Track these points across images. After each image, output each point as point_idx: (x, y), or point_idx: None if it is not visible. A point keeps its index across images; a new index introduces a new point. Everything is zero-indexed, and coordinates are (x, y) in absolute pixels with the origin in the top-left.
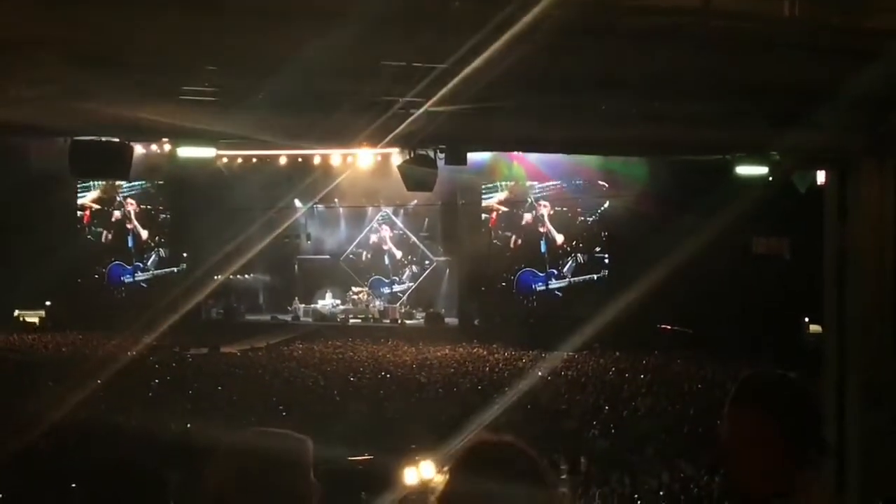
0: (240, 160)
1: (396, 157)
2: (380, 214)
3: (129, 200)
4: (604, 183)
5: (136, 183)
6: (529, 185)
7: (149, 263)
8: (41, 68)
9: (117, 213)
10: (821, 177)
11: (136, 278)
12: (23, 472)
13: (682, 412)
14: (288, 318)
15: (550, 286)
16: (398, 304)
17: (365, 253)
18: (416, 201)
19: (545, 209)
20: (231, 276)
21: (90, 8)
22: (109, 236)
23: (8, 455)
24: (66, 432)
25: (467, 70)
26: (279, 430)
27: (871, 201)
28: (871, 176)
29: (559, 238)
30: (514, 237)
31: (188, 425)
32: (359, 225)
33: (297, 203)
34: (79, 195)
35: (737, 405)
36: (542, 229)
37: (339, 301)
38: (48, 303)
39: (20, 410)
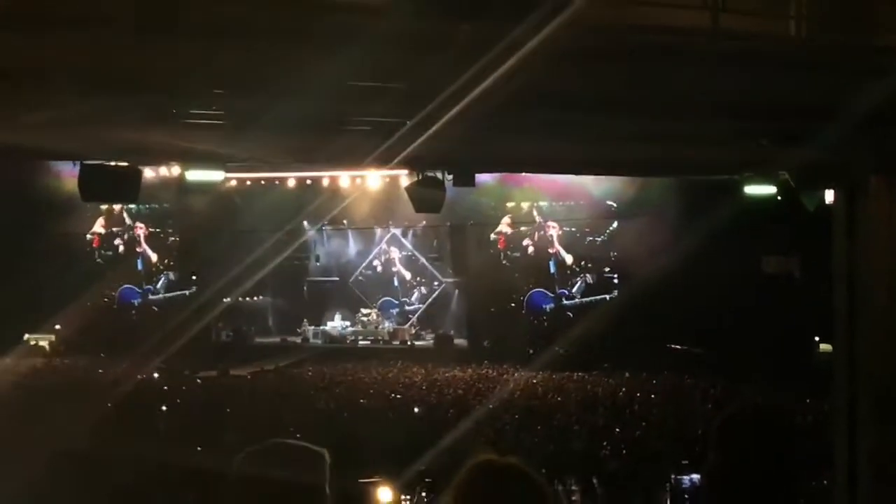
0: (248, 182)
1: (405, 178)
2: (388, 236)
3: (138, 224)
4: (612, 203)
5: (145, 206)
6: (538, 205)
7: (158, 286)
8: (50, 93)
9: (126, 237)
10: (829, 195)
11: (146, 301)
12: (33, 501)
13: (693, 432)
14: (297, 340)
15: (560, 306)
16: (407, 326)
17: (374, 274)
18: (424, 222)
19: (554, 230)
20: (240, 299)
21: (98, 33)
22: (119, 260)
23: (18, 482)
24: (76, 457)
25: (475, 92)
26: (295, 442)
27: (879, 219)
28: (880, 193)
29: (568, 258)
30: (522, 258)
31: (199, 448)
32: (368, 246)
33: (306, 225)
34: (88, 219)
35: None
36: (550, 250)
37: (348, 323)
38: (58, 327)
39: (30, 437)
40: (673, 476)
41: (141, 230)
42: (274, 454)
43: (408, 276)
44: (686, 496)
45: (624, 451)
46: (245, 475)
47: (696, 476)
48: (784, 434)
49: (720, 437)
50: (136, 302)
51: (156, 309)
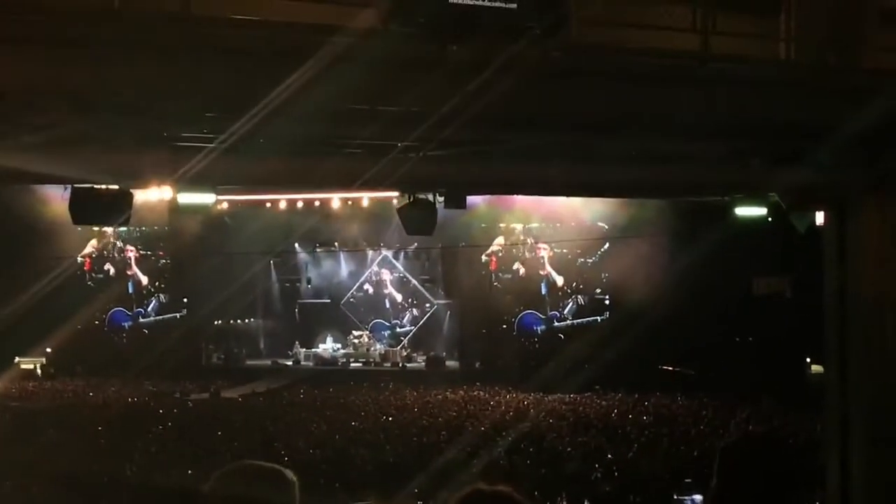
0: (240, 205)
1: (396, 200)
2: (380, 258)
3: (129, 246)
4: (603, 224)
5: (136, 229)
6: (529, 227)
7: (149, 309)
8: (41, 115)
9: (117, 259)
10: (819, 217)
11: (137, 324)
12: None
13: (686, 454)
14: (289, 362)
15: (552, 328)
16: (399, 348)
17: (365, 296)
18: (416, 244)
19: (545, 251)
20: (231, 321)
21: (91, 56)
22: (110, 282)
23: None
24: (67, 480)
25: (466, 114)
26: (266, 465)
27: (870, 239)
28: (870, 214)
29: (559, 280)
30: (514, 280)
31: (189, 472)
32: (359, 268)
33: (297, 247)
34: (76, 242)
35: None
36: (542, 272)
37: (339, 345)
38: (49, 349)
39: (20, 459)
40: (675, 496)
41: (132, 253)
42: (243, 475)
43: (399, 297)
44: None
45: (616, 474)
46: (216, 496)
47: (697, 497)
48: (783, 461)
49: (721, 465)
50: (126, 325)
51: (146, 332)
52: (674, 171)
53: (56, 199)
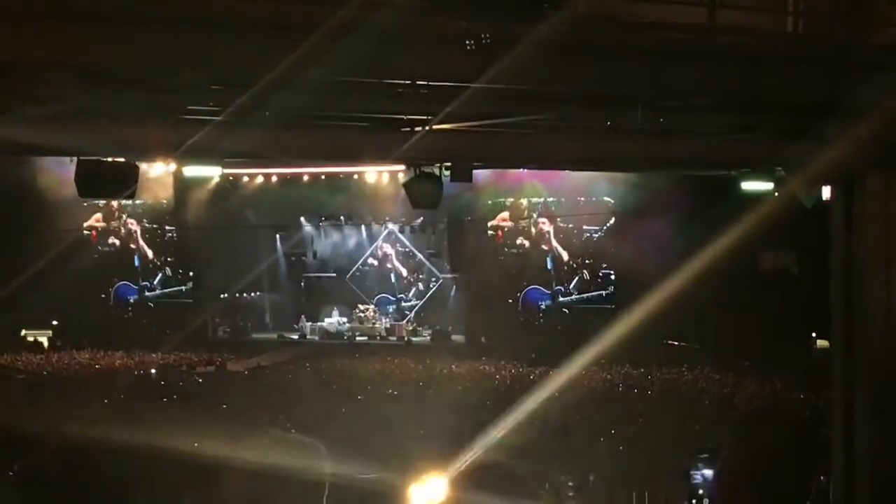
0: (245, 178)
1: (402, 174)
2: (386, 232)
3: (130, 220)
4: (609, 199)
5: (142, 202)
6: (535, 201)
7: (155, 282)
8: (47, 87)
9: (123, 233)
10: (826, 192)
11: (143, 297)
12: (31, 493)
13: (691, 428)
14: (295, 336)
15: (557, 303)
16: (405, 322)
17: (371, 270)
18: (421, 218)
19: (550, 226)
20: (237, 294)
21: (96, 29)
22: (115, 256)
23: (15, 475)
24: (73, 452)
25: (473, 88)
26: (296, 437)
27: (877, 215)
28: (877, 189)
29: (564, 255)
30: (519, 254)
31: (195, 444)
32: (365, 242)
33: (303, 220)
34: (79, 215)
35: None
36: (546, 247)
37: (345, 319)
38: (55, 322)
39: (27, 430)
40: (689, 471)
41: (137, 226)
42: (275, 444)
43: (405, 272)
44: (700, 491)
45: (621, 448)
46: (248, 464)
47: (707, 471)
48: (789, 434)
49: (728, 439)
50: (132, 298)
51: (152, 305)
52: (680, 145)
53: (61, 172)
